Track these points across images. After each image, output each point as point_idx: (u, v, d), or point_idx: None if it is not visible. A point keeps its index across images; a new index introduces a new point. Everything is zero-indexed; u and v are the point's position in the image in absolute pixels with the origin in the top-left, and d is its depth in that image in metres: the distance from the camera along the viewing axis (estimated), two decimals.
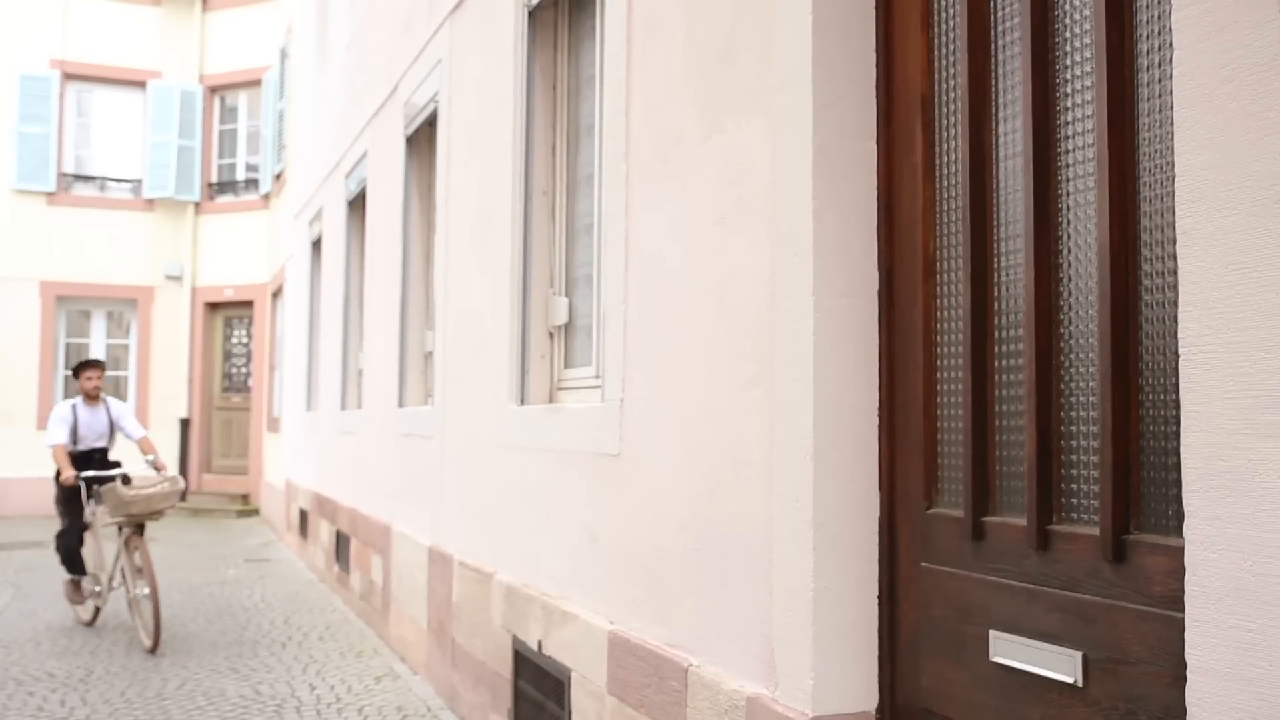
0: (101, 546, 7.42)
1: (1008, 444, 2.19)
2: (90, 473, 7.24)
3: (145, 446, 7.49)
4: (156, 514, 6.86)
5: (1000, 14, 2.24)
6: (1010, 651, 2.10)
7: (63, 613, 7.82)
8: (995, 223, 2.24)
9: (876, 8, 2.49)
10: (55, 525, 7.66)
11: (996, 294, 2.23)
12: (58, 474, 7.23)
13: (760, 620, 2.57)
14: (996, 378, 2.23)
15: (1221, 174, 1.47)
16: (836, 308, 2.40)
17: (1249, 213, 1.44)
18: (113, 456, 7.81)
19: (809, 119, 2.41)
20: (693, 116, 2.99)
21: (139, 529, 6.88)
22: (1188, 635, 1.50)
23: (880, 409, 2.44)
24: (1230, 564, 1.44)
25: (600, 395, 3.63)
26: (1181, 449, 1.52)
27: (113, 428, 7.66)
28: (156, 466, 7.25)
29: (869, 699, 2.40)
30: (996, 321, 2.23)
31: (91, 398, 7.56)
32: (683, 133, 3.04)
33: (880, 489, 2.43)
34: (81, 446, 7.45)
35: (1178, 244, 1.53)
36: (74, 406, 7.50)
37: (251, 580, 9.51)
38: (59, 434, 7.29)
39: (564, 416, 3.92)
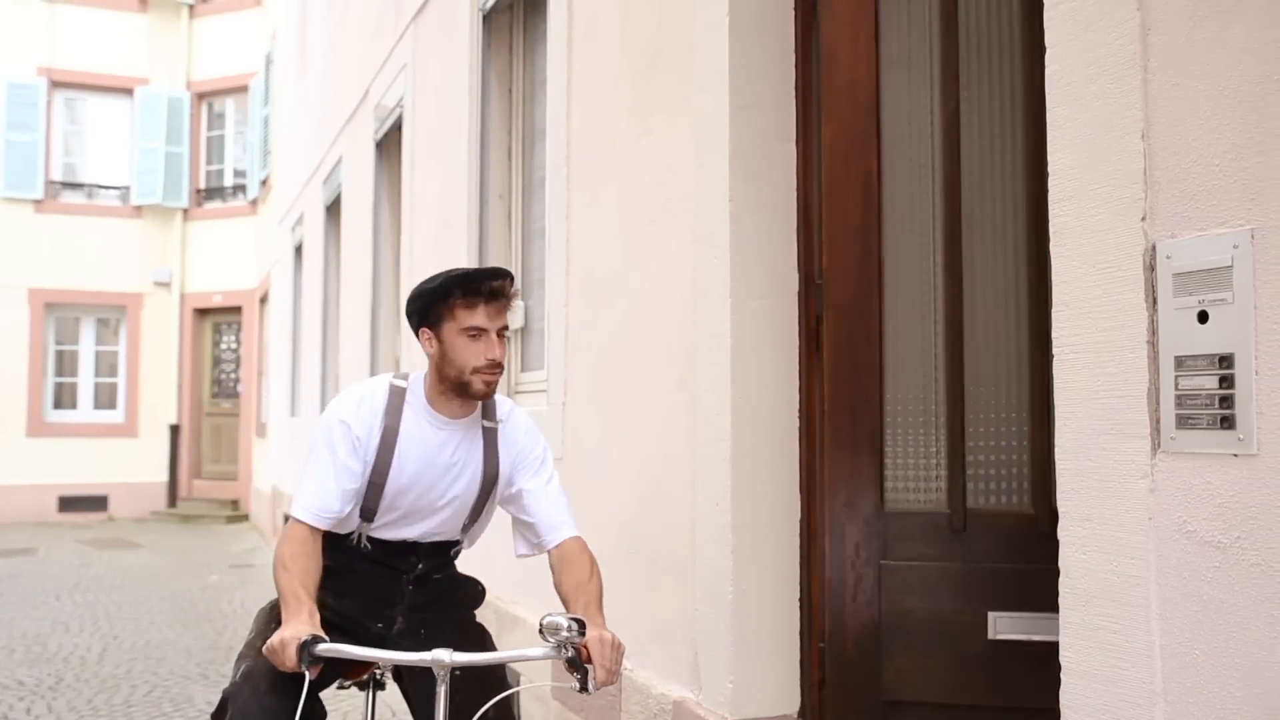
0: None
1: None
2: (363, 652, 1.98)
3: (571, 580, 2.16)
4: None
5: (914, 15, 2.24)
6: None
7: (41, 619, 7.79)
8: (917, 224, 2.23)
9: (795, 10, 2.48)
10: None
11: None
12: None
13: (688, 624, 2.55)
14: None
15: (1090, 173, 1.46)
16: (755, 309, 2.39)
17: (1115, 212, 1.43)
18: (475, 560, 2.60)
19: (725, 121, 2.40)
20: (626, 119, 2.98)
21: None
22: (1061, 637, 1.49)
23: (800, 411, 2.43)
24: (1098, 565, 1.43)
25: (546, 398, 3.62)
26: (1055, 450, 1.51)
27: (489, 491, 2.23)
28: (580, 662, 1.88)
29: (790, 702, 2.38)
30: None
31: (476, 394, 2.07)
32: (618, 135, 3.03)
33: (800, 491, 2.42)
34: (386, 531, 2.26)
35: (1051, 243, 1.53)
36: (400, 398, 2.16)
37: (233, 586, 9.48)
38: (324, 491, 2.19)
39: None
